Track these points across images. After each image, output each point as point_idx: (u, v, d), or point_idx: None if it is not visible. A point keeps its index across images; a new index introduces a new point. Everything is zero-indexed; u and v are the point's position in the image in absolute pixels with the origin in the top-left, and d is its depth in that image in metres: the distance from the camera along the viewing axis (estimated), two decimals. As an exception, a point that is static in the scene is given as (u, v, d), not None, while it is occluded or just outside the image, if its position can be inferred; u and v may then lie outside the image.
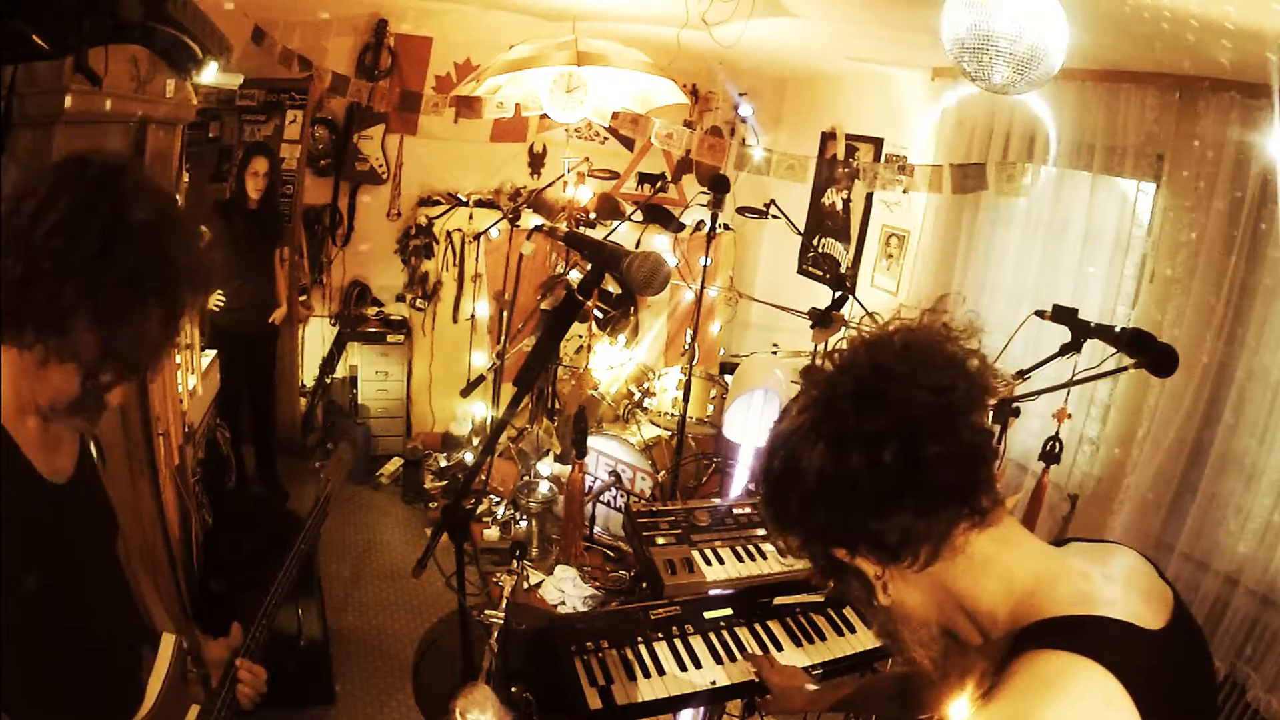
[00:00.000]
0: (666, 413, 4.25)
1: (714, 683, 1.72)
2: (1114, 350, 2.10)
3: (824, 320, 3.12)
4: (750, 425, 3.76)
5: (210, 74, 2.29)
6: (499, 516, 4.24)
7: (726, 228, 5.33)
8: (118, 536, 1.27)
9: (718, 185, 3.53)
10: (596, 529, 4.07)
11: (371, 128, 4.98)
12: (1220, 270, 2.79)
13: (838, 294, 3.23)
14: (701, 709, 2.09)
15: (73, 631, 1.12)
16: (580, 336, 4.84)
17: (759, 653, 1.79)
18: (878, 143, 4.67)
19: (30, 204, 0.97)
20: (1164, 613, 0.86)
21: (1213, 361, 2.82)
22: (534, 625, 2.24)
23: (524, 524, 4.09)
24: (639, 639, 1.79)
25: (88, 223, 0.97)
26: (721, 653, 1.80)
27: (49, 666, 1.09)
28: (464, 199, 5.08)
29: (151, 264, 1.00)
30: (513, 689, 1.74)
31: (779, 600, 1.95)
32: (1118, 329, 2.12)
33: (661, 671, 1.73)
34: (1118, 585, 0.86)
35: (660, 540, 1.97)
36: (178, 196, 1.15)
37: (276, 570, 1.45)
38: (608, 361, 4.62)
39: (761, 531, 2.09)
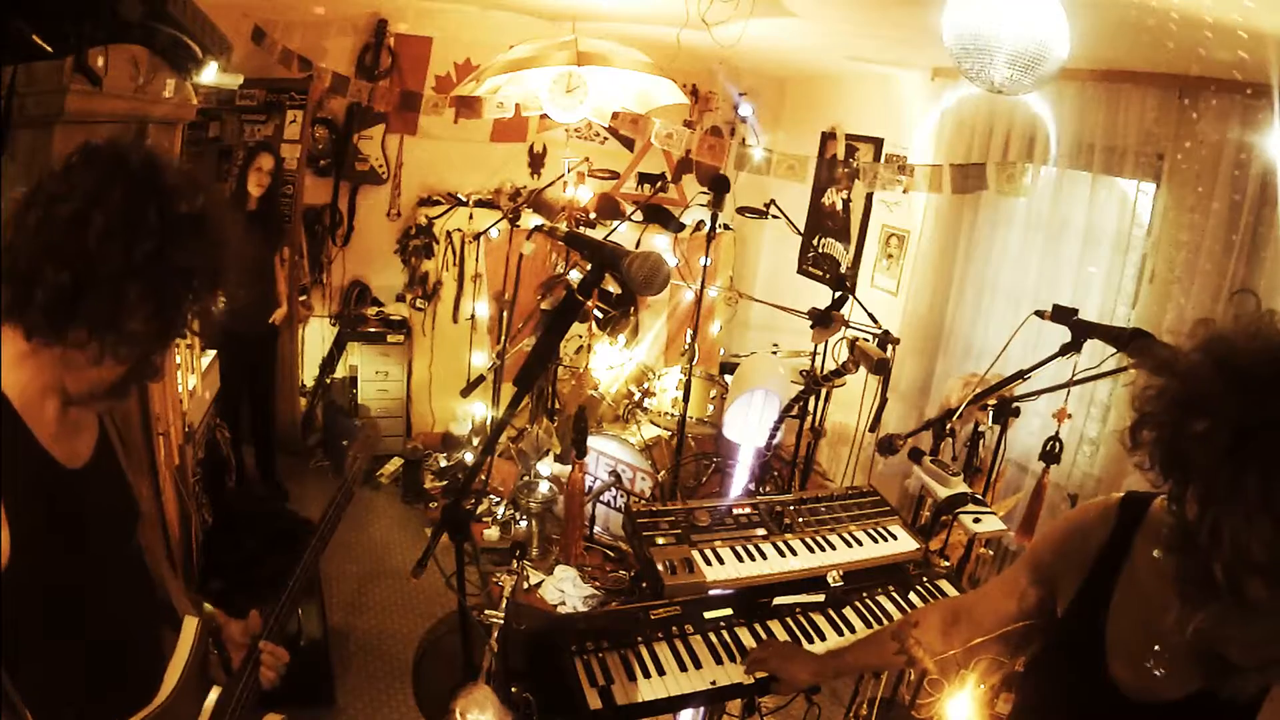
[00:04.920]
0: (666, 413, 4.25)
1: (714, 683, 1.71)
2: (1114, 350, 2.10)
3: (824, 320, 3.12)
4: (750, 425, 3.75)
5: (210, 74, 2.29)
6: (499, 516, 4.24)
7: (726, 228, 5.33)
8: (138, 520, 1.27)
9: (718, 185, 3.53)
10: (596, 529, 4.07)
11: (371, 128, 4.98)
12: (1220, 270, 2.79)
13: (838, 294, 3.23)
14: (701, 709, 2.09)
15: (92, 616, 1.12)
16: (580, 336, 4.84)
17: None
18: (878, 143, 4.67)
19: (68, 207, 0.96)
20: None
21: (1212, 361, 2.82)
22: (534, 625, 2.24)
23: (524, 524, 4.08)
24: (639, 639, 1.79)
25: (144, 219, 0.98)
26: (721, 653, 1.80)
27: (69, 651, 1.09)
28: (464, 199, 5.07)
29: (203, 252, 1.03)
30: (513, 689, 1.74)
31: (779, 600, 1.94)
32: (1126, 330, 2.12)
33: (661, 671, 1.73)
34: None
35: (660, 540, 1.97)
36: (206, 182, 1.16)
37: (302, 550, 1.46)
38: (608, 361, 4.62)
39: (762, 531, 2.09)
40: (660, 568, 1.87)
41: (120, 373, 1.04)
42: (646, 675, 1.71)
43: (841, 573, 2.01)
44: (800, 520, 2.15)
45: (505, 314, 4.37)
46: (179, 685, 1.23)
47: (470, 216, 4.90)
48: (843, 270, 4.92)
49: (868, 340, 3.17)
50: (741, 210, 4.24)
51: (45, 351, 1.01)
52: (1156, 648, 1.03)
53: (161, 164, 1.04)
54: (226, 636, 1.40)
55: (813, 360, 3.59)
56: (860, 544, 2.11)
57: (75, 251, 0.95)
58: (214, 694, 1.32)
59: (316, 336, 5.14)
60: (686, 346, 3.91)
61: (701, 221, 4.34)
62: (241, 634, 1.40)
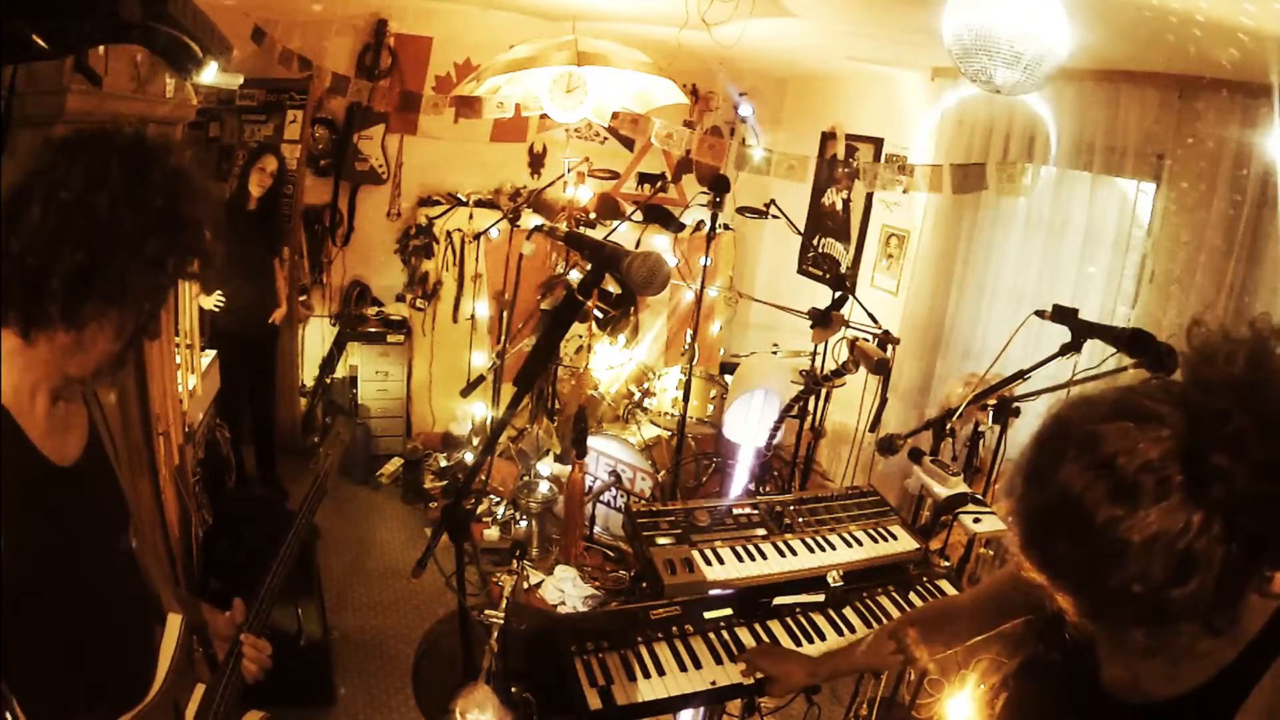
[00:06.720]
0: (666, 413, 4.25)
1: (714, 683, 1.71)
2: (1114, 350, 2.10)
3: (824, 320, 3.12)
4: (750, 425, 3.76)
5: (210, 74, 2.28)
6: (499, 516, 4.24)
7: (726, 228, 5.33)
8: (129, 518, 1.27)
9: (718, 185, 3.53)
10: (596, 529, 4.07)
11: (371, 128, 4.98)
12: (1220, 270, 2.80)
13: (838, 294, 3.23)
14: (701, 709, 2.09)
15: (86, 615, 1.12)
16: (580, 336, 4.84)
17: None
18: (878, 143, 4.67)
19: (71, 193, 0.97)
20: None
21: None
22: (534, 625, 2.25)
23: (524, 524, 4.09)
24: (639, 639, 1.79)
25: (149, 179, 1.01)
26: (721, 653, 1.80)
27: (63, 650, 1.09)
28: (464, 199, 5.07)
29: (199, 200, 1.06)
30: (513, 689, 1.74)
31: (779, 600, 1.95)
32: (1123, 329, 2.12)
33: (661, 671, 1.73)
34: None
35: (660, 540, 1.97)
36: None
37: (279, 544, 1.46)
38: (608, 361, 4.62)
39: (762, 531, 2.09)
40: (660, 568, 1.87)
41: (126, 340, 1.06)
42: (646, 675, 1.71)
43: (841, 573, 2.01)
44: (800, 520, 2.15)
45: (505, 314, 4.37)
46: (164, 683, 1.23)
47: (470, 216, 4.90)
48: (843, 270, 4.92)
49: (868, 340, 3.17)
50: (741, 210, 4.24)
51: (39, 346, 1.01)
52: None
53: (141, 132, 1.08)
54: (213, 630, 1.40)
55: (813, 360, 3.59)
56: (860, 544, 2.12)
57: (89, 228, 0.97)
58: (198, 691, 1.32)
59: (316, 336, 5.14)
60: (686, 346, 3.91)
61: (701, 221, 4.34)
62: (227, 626, 1.40)
